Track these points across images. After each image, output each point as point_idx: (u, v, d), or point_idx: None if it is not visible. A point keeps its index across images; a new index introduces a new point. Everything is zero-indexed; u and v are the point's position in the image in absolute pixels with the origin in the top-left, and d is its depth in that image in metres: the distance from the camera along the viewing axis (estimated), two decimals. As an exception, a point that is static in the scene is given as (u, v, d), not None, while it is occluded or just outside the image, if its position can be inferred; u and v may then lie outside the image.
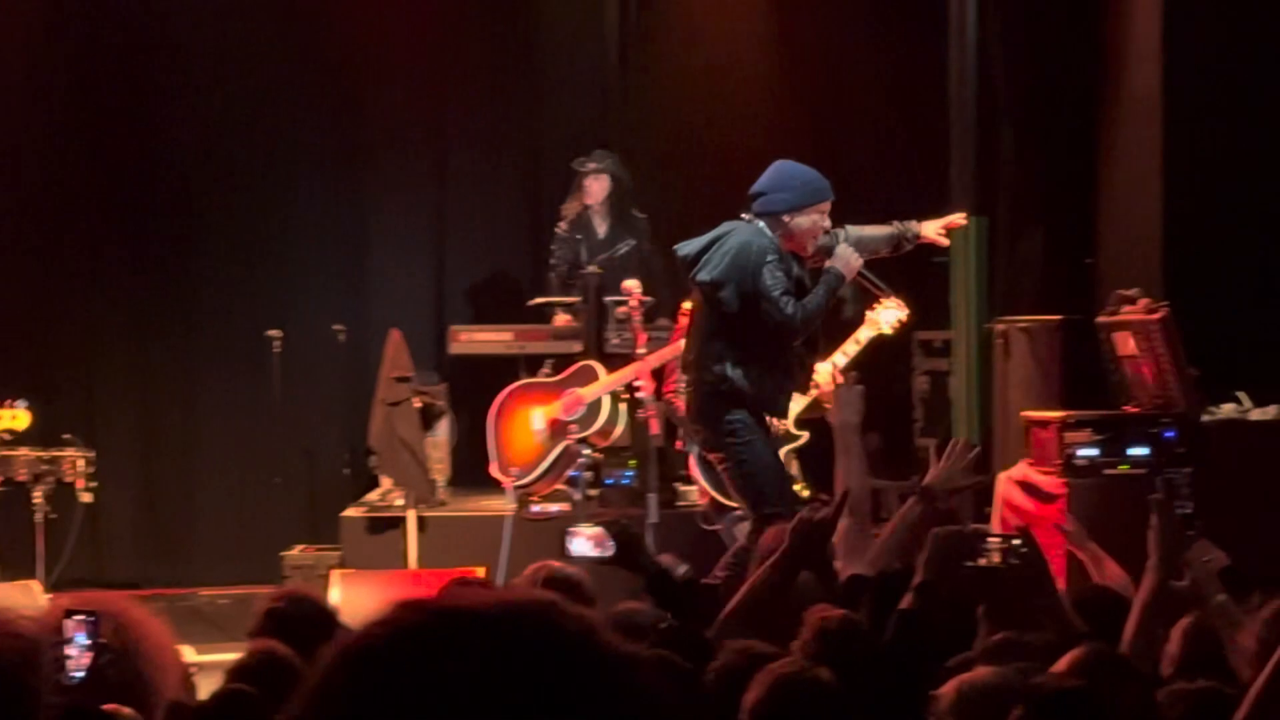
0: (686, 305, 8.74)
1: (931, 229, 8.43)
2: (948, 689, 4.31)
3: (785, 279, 7.99)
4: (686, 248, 8.20)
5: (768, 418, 8.20)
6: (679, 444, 9.48)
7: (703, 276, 8.03)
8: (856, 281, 8.35)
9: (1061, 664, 4.48)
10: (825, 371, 8.82)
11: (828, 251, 8.21)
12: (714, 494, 8.91)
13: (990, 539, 5.53)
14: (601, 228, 11.50)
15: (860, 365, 9.08)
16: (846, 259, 8.09)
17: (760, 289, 7.93)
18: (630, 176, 11.51)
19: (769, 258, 7.98)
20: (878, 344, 9.13)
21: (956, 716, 4.24)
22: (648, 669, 1.54)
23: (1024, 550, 5.49)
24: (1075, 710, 4.01)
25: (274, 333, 11.18)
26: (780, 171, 8.22)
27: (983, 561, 5.43)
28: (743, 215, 8.16)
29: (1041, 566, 5.54)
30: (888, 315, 8.99)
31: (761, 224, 8.07)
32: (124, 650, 3.90)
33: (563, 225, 11.43)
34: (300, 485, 11.72)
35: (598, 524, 6.38)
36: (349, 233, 12.24)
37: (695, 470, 9.16)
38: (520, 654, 1.48)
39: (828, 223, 8.15)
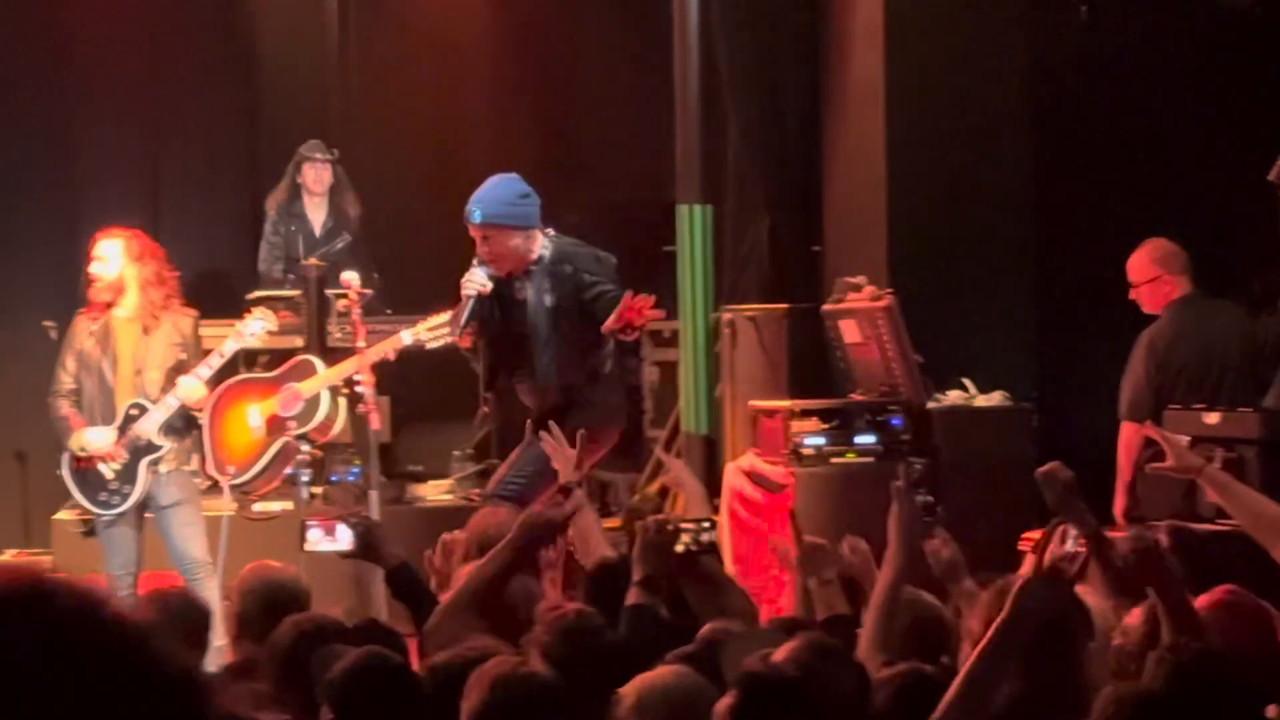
0: None
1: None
2: (628, 689, 4.31)
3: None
4: None
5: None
6: None
7: None
8: None
9: (780, 652, 4.46)
10: (191, 385, 8.47)
11: None
12: None
13: (684, 525, 5.66)
14: (317, 221, 11.40)
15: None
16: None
17: None
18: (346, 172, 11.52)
19: None
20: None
21: (638, 717, 4.25)
22: (155, 639, 1.48)
23: (710, 532, 5.68)
24: (789, 697, 3.99)
25: (-18, 330, 10.86)
26: None
27: (679, 549, 5.56)
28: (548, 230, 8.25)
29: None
30: (253, 326, 8.69)
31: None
32: None
33: (272, 216, 11.32)
34: (12, 488, 11.40)
35: (334, 517, 6.23)
36: (59, 227, 11.88)
37: None
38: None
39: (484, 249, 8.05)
